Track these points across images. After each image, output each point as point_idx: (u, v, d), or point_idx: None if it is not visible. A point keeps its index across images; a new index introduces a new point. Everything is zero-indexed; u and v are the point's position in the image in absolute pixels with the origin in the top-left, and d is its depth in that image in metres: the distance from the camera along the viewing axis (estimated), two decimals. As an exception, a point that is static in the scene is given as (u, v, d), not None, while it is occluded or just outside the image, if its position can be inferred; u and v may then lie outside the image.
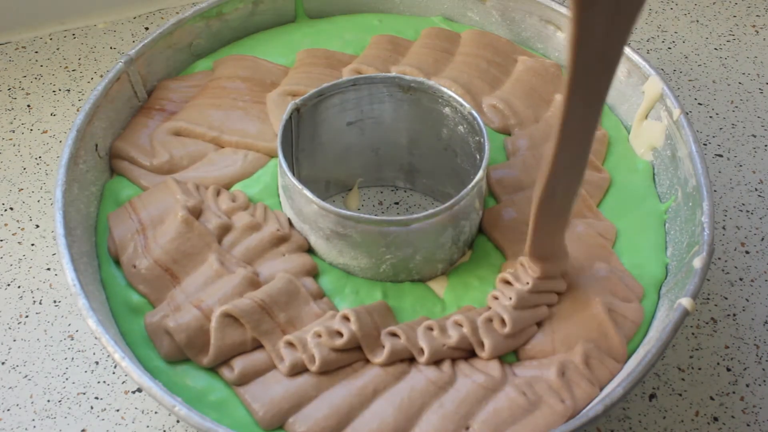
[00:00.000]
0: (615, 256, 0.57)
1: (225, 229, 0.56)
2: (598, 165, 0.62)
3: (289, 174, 0.54)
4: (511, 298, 0.52)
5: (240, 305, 0.51)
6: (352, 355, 0.51)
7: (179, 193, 0.57)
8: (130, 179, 0.60)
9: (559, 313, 0.54)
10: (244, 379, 0.50)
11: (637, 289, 0.55)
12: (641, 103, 0.63)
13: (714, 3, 0.86)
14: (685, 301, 0.51)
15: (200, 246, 0.55)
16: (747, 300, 0.63)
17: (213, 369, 0.51)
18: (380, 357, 0.51)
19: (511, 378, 0.51)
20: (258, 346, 0.52)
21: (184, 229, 0.55)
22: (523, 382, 0.51)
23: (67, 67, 0.77)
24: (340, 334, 0.51)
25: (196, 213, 0.57)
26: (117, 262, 0.56)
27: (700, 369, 0.59)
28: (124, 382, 0.57)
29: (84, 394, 0.57)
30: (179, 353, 0.51)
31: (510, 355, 0.53)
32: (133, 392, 0.57)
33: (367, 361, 0.52)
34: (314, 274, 0.56)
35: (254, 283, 0.53)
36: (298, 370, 0.51)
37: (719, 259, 0.65)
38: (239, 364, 0.51)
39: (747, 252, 0.65)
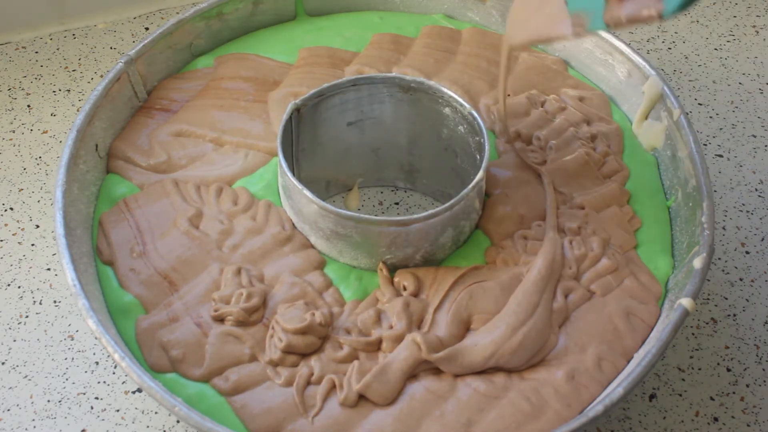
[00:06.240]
0: (634, 251, 0.57)
1: (227, 234, 0.56)
2: (609, 120, 0.64)
3: (289, 174, 0.54)
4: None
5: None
6: (349, 366, 0.51)
7: (179, 201, 0.57)
8: (125, 177, 0.60)
9: (575, 314, 0.54)
10: (238, 390, 0.50)
11: (654, 288, 0.55)
12: (641, 104, 0.63)
13: (714, 3, 0.86)
14: (685, 302, 0.51)
15: (201, 255, 0.55)
16: (747, 300, 0.63)
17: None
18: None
19: (517, 383, 0.51)
20: (254, 359, 0.51)
21: (185, 240, 0.55)
22: (528, 388, 0.50)
23: (67, 67, 0.77)
24: (341, 347, 0.51)
25: (197, 221, 0.57)
26: (105, 262, 0.56)
27: (700, 369, 0.59)
28: (124, 382, 0.57)
29: (84, 394, 0.57)
30: (168, 366, 0.51)
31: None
32: (133, 392, 0.57)
33: None
34: (322, 267, 0.56)
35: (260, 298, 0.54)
36: (294, 381, 0.50)
37: (719, 259, 0.65)
38: (234, 376, 0.50)
39: (747, 252, 0.65)
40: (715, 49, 0.81)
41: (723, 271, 0.64)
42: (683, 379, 0.58)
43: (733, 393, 0.58)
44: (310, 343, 0.51)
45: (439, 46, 0.69)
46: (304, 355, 0.51)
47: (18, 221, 0.65)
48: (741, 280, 0.64)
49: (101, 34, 0.80)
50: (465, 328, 0.53)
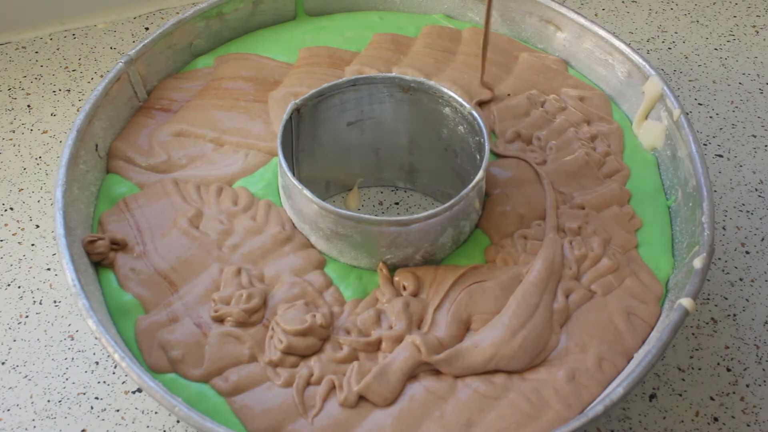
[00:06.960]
0: (635, 251, 0.57)
1: (227, 234, 0.56)
2: (609, 119, 0.64)
3: (289, 174, 0.54)
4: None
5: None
6: (349, 366, 0.51)
7: (179, 201, 0.57)
8: (125, 177, 0.60)
9: (576, 313, 0.54)
10: (238, 391, 0.50)
11: (655, 287, 0.55)
12: (641, 104, 0.63)
13: (714, 3, 0.86)
14: (686, 302, 0.51)
15: (201, 255, 0.55)
16: (747, 300, 0.63)
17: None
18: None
19: (517, 383, 0.51)
20: (254, 359, 0.51)
21: (185, 240, 0.55)
22: (529, 388, 0.50)
23: (67, 67, 0.77)
24: (341, 347, 0.51)
25: (197, 221, 0.57)
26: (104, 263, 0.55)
27: (700, 369, 0.59)
28: (124, 382, 0.57)
29: (84, 394, 0.57)
30: (168, 366, 0.51)
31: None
32: (133, 392, 0.57)
33: None
34: (322, 266, 0.56)
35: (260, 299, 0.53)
36: (294, 382, 0.50)
37: (719, 259, 0.65)
38: (234, 376, 0.50)
39: (747, 252, 0.65)
40: (715, 49, 0.81)
41: (723, 271, 0.64)
42: (683, 379, 0.58)
43: (733, 393, 0.58)
44: (310, 345, 0.51)
45: (439, 46, 0.69)
46: (304, 355, 0.51)
47: (18, 221, 0.65)
48: (741, 280, 0.64)
49: (101, 34, 0.80)
50: (465, 328, 0.53)
